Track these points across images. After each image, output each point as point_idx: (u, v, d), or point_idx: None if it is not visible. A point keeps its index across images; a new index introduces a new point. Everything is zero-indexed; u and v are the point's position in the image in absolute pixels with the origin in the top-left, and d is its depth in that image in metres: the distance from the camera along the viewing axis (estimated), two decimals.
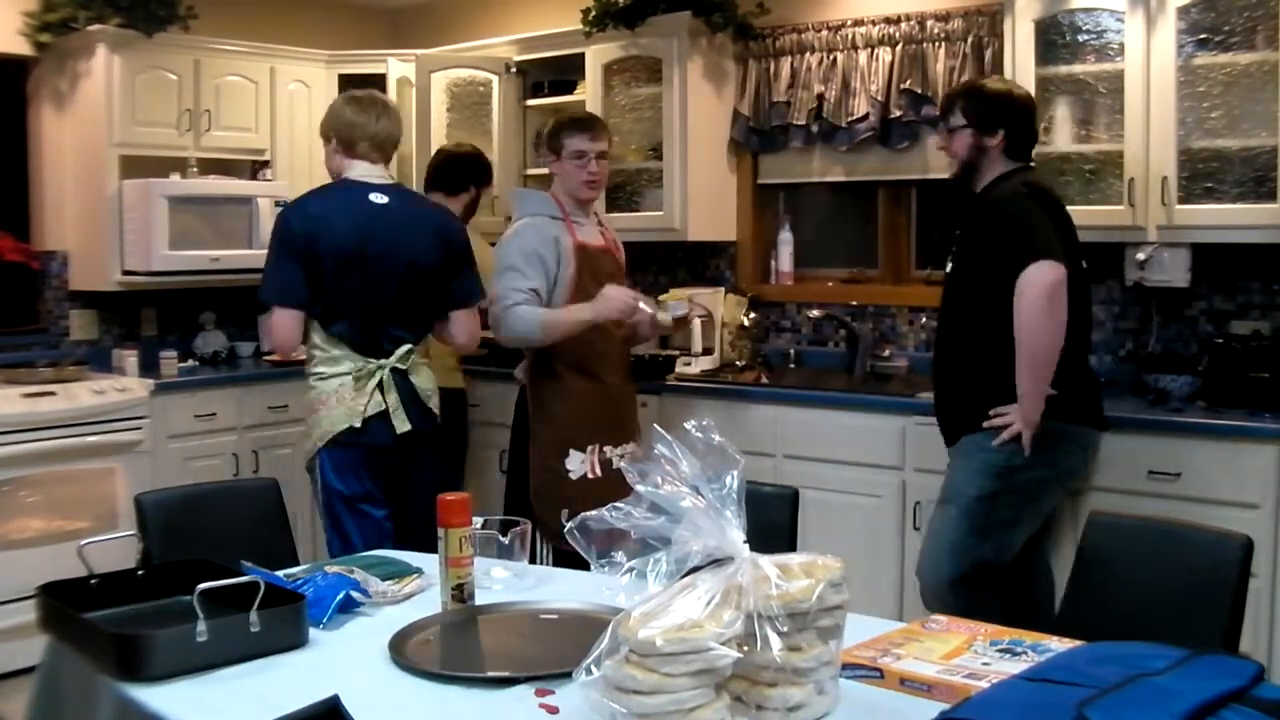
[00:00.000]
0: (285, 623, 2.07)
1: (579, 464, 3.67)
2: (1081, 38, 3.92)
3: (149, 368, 4.95)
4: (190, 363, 5.28)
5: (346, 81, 5.59)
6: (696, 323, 4.96)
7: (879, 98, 4.61)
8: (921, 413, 3.99)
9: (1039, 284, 3.10)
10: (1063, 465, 3.38)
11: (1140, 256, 3.89)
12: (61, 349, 5.13)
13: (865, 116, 4.66)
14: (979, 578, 3.31)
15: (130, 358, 4.93)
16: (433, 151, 5.08)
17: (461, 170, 4.60)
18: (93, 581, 2.28)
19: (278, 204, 5.23)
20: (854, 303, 4.84)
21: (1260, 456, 3.43)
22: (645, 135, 5.03)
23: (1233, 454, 3.47)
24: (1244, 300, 4.01)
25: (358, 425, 3.37)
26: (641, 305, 3.66)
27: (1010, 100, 3.43)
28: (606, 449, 3.69)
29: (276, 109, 5.40)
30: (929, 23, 4.51)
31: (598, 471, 3.67)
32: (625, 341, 3.87)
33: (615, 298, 3.60)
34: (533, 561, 2.69)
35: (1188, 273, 3.86)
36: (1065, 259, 3.14)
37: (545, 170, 5.58)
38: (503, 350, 5.21)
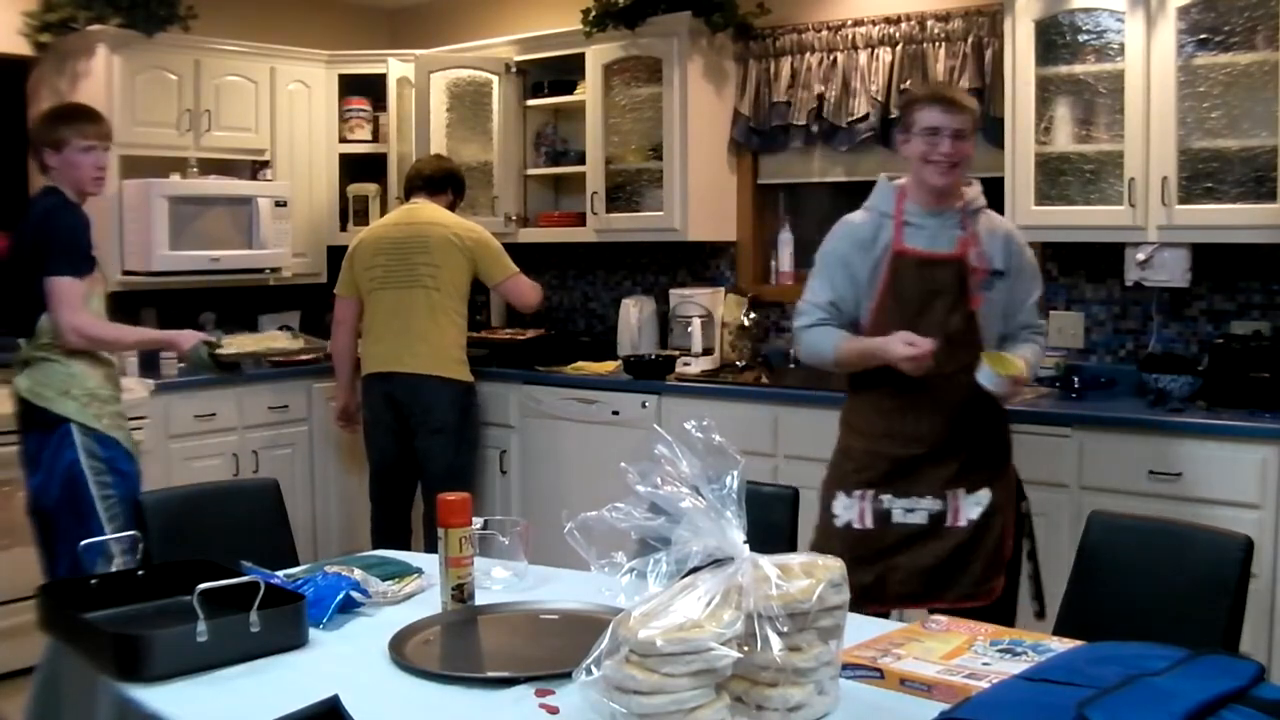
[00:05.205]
0: (285, 623, 2.07)
1: (843, 509, 3.09)
2: (1081, 38, 3.92)
3: (149, 368, 4.93)
4: None
5: (346, 81, 5.61)
6: (696, 322, 4.97)
7: (879, 98, 4.61)
8: None
9: None
10: None
11: (1140, 256, 3.89)
12: None
13: (865, 116, 4.65)
14: None
15: (130, 358, 4.92)
16: (432, 152, 5.11)
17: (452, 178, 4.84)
18: (93, 581, 2.29)
19: (278, 204, 5.25)
20: None
21: (1260, 456, 3.42)
22: (645, 135, 5.02)
23: (1233, 454, 3.46)
24: (1244, 300, 4.01)
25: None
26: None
27: None
28: (885, 498, 3.04)
29: (276, 109, 5.40)
30: (929, 23, 4.51)
31: (867, 522, 3.05)
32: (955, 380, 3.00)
33: (893, 347, 2.94)
34: None
35: (1188, 273, 3.86)
36: None
37: (544, 171, 5.64)
38: (502, 349, 5.24)
